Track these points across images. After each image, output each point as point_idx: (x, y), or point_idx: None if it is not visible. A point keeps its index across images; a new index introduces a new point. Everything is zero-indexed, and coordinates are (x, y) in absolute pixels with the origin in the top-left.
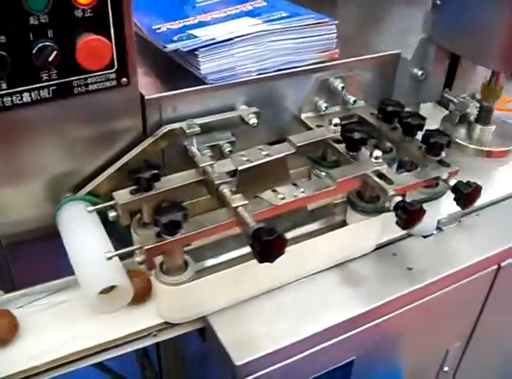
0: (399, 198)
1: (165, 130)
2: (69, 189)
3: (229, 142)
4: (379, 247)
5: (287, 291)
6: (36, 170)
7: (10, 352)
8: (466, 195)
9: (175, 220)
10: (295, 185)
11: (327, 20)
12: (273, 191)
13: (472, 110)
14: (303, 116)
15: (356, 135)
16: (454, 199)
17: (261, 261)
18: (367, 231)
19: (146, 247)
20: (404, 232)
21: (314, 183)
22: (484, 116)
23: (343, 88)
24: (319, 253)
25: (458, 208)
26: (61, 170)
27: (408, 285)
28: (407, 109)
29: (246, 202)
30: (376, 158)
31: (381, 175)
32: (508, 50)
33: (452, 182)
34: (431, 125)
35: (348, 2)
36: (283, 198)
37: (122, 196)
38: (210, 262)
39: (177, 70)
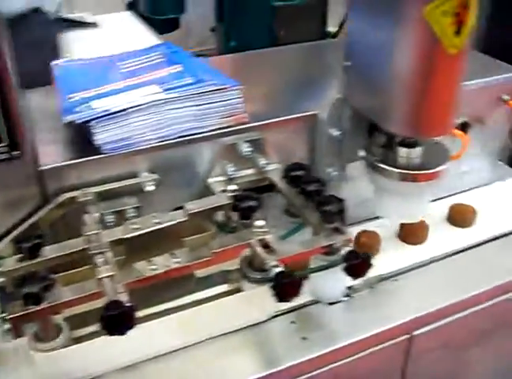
0: (279, 269)
1: (63, 199)
2: None
3: (134, 208)
4: (280, 314)
5: (172, 359)
6: None
7: None
8: (353, 266)
9: (33, 292)
10: (172, 254)
11: (229, 86)
12: (148, 261)
13: None
14: (210, 181)
15: (245, 203)
16: (344, 269)
17: (110, 334)
18: (258, 300)
19: (9, 316)
20: (308, 298)
21: (192, 253)
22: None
23: (251, 151)
24: (206, 321)
25: (374, 274)
26: None
27: (298, 356)
28: (332, 170)
29: (112, 273)
30: (260, 227)
31: (266, 245)
32: (406, 114)
33: (344, 251)
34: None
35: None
36: (155, 269)
37: (9, 263)
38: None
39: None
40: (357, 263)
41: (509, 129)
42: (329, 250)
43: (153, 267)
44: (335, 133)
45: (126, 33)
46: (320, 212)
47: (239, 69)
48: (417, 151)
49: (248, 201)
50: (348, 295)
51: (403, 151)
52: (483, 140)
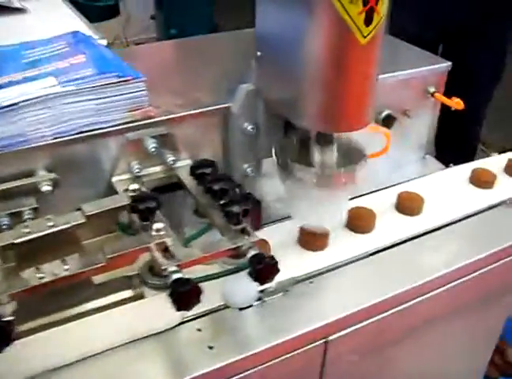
0: (176, 276)
1: None
2: None
3: (31, 209)
4: (186, 321)
5: (73, 369)
6: None
7: None
8: (258, 271)
9: None
10: (63, 260)
11: (131, 78)
12: (37, 268)
13: None
14: (114, 179)
15: (143, 204)
16: (248, 273)
17: None
18: (162, 307)
19: None
20: (220, 303)
21: (85, 259)
22: (322, 135)
23: (158, 147)
24: (108, 329)
25: (288, 276)
26: None
27: (205, 366)
28: (247, 166)
29: None
30: (157, 230)
31: (166, 249)
32: (317, 107)
33: (251, 254)
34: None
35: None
36: (42, 277)
37: None
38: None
39: None
40: (261, 268)
41: (434, 121)
42: (236, 253)
43: (41, 275)
44: (248, 127)
45: (54, 20)
46: (224, 213)
47: (156, 58)
48: (331, 152)
49: (147, 202)
50: (260, 299)
51: (317, 151)
52: (409, 133)
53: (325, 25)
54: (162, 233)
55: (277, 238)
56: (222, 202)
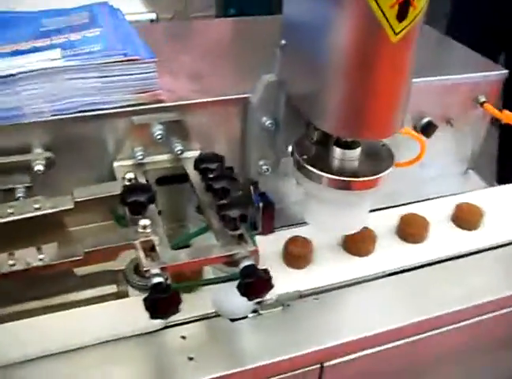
0: (157, 280)
1: None
2: None
3: (26, 187)
4: (172, 325)
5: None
6: None
7: None
8: (246, 285)
9: None
10: (39, 249)
11: (140, 58)
12: (10, 254)
13: None
14: (115, 164)
15: (133, 197)
16: (237, 286)
17: None
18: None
19: None
20: (210, 310)
21: (62, 249)
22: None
23: (162, 134)
24: (90, 324)
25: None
26: None
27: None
28: (263, 164)
29: None
30: (144, 227)
31: (152, 248)
32: (340, 109)
33: (243, 264)
34: None
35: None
36: (13, 264)
37: None
38: None
39: None
40: (251, 282)
41: (481, 134)
42: (229, 260)
43: (12, 262)
44: (267, 121)
45: None
46: (220, 216)
47: (190, 38)
48: (354, 154)
49: (137, 195)
50: (255, 311)
51: (338, 152)
52: (452, 144)
53: (352, 17)
54: (148, 231)
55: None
56: (220, 203)
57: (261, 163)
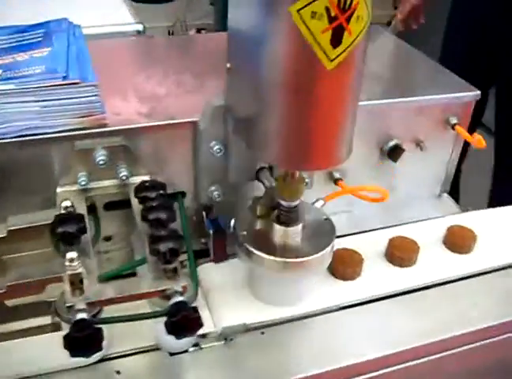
0: (80, 315)
1: None
2: None
3: None
4: (106, 359)
5: None
6: None
7: None
8: (172, 324)
9: None
10: None
11: (79, 81)
12: None
13: None
14: (58, 190)
15: (63, 227)
16: (164, 323)
17: None
18: None
19: None
20: (149, 343)
21: None
22: (285, 216)
23: (104, 160)
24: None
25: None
26: None
27: None
28: (214, 190)
29: None
30: (71, 260)
31: (79, 281)
32: (276, 137)
33: (173, 301)
34: None
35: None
36: None
37: None
38: None
39: None
40: (176, 320)
41: (454, 157)
42: (159, 295)
43: None
44: (215, 147)
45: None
46: (150, 249)
47: (148, 55)
48: (295, 231)
49: (68, 225)
50: (196, 345)
51: (278, 230)
52: (423, 168)
53: (285, 42)
54: (75, 264)
55: None
56: (152, 235)
57: (212, 188)
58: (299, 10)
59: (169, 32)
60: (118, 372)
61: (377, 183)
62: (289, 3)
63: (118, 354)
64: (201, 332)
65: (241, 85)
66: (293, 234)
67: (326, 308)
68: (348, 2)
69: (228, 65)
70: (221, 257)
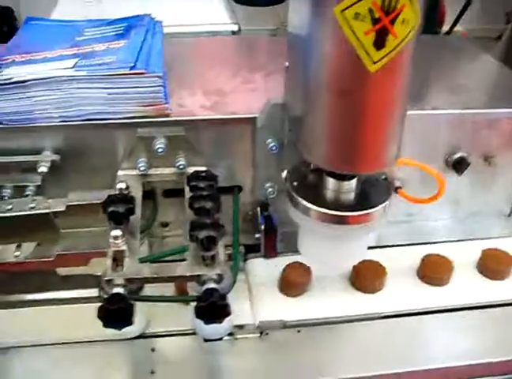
0: (116, 290)
1: None
2: None
3: (36, 186)
4: (146, 336)
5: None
6: None
7: None
8: (199, 309)
9: None
10: (18, 246)
11: (145, 72)
12: None
13: None
14: (119, 173)
15: (112, 207)
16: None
17: None
18: None
19: None
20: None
21: (38, 249)
22: None
23: (163, 148)
24: (60, 323)
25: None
26: None
27: None
28: (269, 186)
29: None
30: (115, 238)
31: (120, 258)
32: (320, 140)
33: (205, 287)
34: None
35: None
36: None
37: None
38: None
39: None
40: (203, 306)
41: None
42: (193, 281)
43: None
44: (271, 144)
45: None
46: (189, 235)
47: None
48: (348, 185)
49: (117, 205)
50: (231, 334)
51: (330, 183)
52: (490, 185)
53: (329, 42)
54: (118, 241)
55: None
56: (193, 222)
57: (267, 185)
58: (342, 11)
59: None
60: (153, 349)
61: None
62: (334, 4)
63: (156, 334)
64: (238, 322)
65: (294, 84)
66: (345, 188)
67: (369, 315)
68: (393, 5)
69: (286, 64)
70: (271, 253)
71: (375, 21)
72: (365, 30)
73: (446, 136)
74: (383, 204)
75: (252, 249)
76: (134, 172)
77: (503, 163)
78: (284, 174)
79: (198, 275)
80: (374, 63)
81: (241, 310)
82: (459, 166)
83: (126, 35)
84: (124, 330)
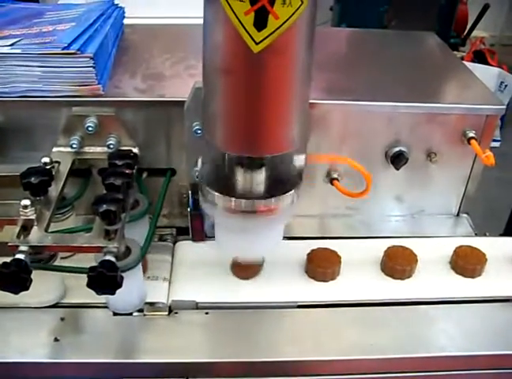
0: (18, 256)
1: None
2: None
3: None
4: (57, 306)
5: None
6: None
7: None
8: (89, 278)
9: None
10: None
11: (75, 52)
12: None
13: None
14: (54, 149)
15: (27, 178)
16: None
17: None
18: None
19: None
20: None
21: None
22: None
23: (93, 127)
24: None
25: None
26: None
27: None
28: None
29: None
30: (24, 207)
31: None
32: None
33: (102, 258)
34: None
35: None
36: None
37: None
38: None
39: None
40: (92, 275)
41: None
42: (92, 252)
43: None
44: (195, 127)
45: None
46: (92, 208)
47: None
48: (256, 176)
49: (33, 176)
50: (141, 311)
51: (238, 173)
52: (433, 183)
53: (215, 23)
54: (27, 210)
55: None
56: (97, 197)
57: (197, 168)
58: None
59: None
60: (62, 318)
61: (380, 189)
62: None
63: (70, 304)
64: (149, 300)
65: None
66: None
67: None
68: None
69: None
70: (198, 236)
71: (254, 1)
72: (244, 10)
73: (384, 130)
74: (288, 194)
75: (186, 232)
76: (68, 149)
77: (447, 160)
78: (199, 162)
79: (100, 247)
80: (257, 44)
81: (159, 289)
82: (397, 160)
83: (78, 18)
84: (40, 299)
